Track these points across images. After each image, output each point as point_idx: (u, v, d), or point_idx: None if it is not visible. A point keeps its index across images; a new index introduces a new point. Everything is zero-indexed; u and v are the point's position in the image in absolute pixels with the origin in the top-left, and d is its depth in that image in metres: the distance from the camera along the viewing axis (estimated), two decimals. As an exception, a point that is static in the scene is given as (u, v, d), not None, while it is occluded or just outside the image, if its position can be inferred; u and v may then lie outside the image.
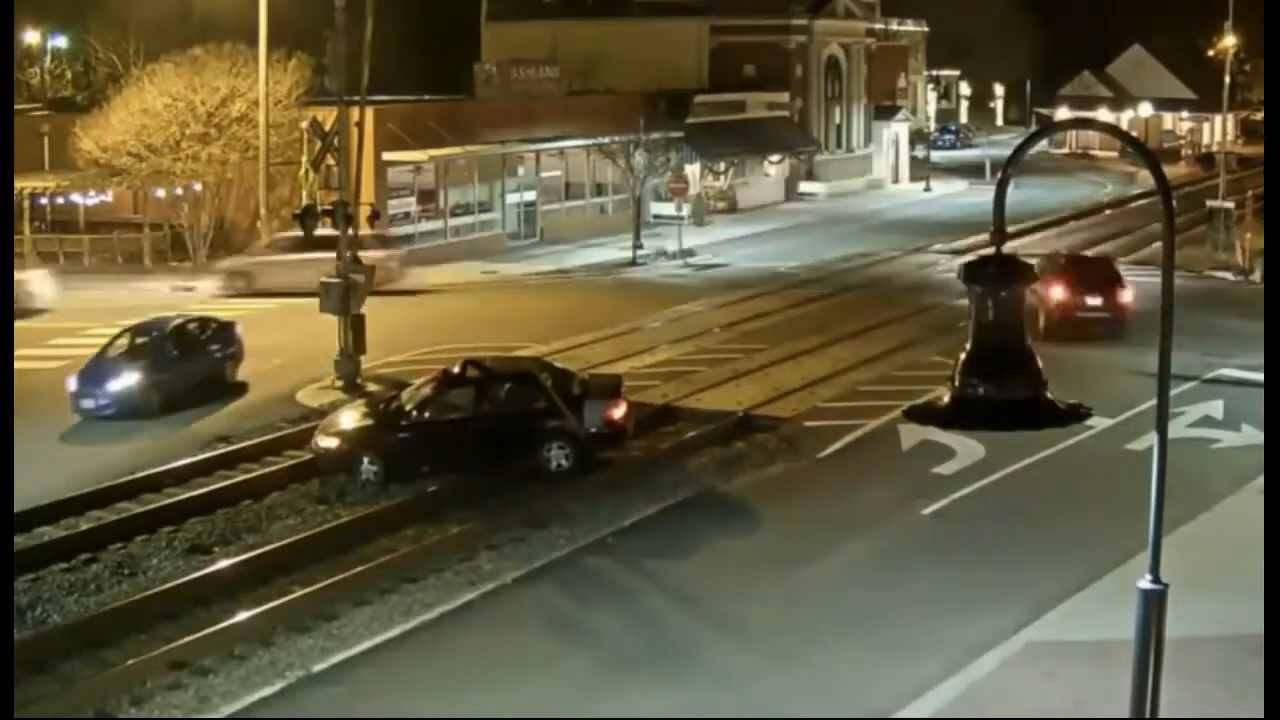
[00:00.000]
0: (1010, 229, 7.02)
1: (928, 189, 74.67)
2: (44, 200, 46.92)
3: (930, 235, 55.88)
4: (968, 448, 24.10)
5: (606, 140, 51.77)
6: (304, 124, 39.63)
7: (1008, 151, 14.85)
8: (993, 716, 14.64)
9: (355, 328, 29.78)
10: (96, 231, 46.93)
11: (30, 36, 68.84)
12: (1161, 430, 8.88)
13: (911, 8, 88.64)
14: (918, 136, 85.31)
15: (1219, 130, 79.17)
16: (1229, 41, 64.18)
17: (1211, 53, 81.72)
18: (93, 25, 63.18)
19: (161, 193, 46.28)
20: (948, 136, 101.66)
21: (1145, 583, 9.17)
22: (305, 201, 35.91)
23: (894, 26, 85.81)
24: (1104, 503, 21.30)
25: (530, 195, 53.76)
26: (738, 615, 18.10)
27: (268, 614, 18.04)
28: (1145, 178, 66.70)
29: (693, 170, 57.94)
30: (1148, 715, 9.22)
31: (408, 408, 24.24)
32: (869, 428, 26.35)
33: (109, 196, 47.14)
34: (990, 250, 6.71)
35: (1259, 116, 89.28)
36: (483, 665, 16.76)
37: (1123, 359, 30.35)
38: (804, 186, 69.81)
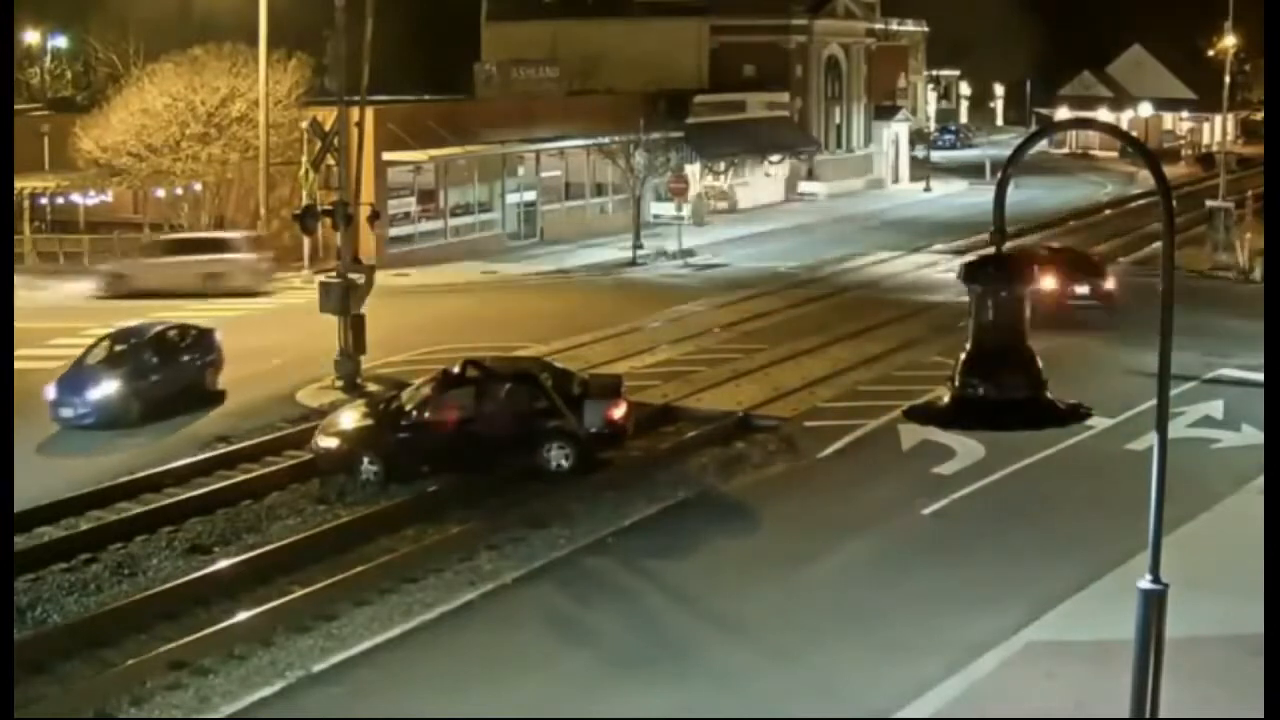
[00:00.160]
0: (1010, 229, 7.02)
1: (928, 189, 74.66)
2: (44, 200, 46.95)
3: (930, 235, 55.87)
4: (968, 448, 24.10)
5: (606, 140, 51.75)
6: (304, 124, 39.71)
7: (1007, 151, 14.86)
8: (993, 716, 14.64)
9: (355, 328, 29.78)
10: (96, 231, 46.92)
11: (30, 36, 68.86)
12: (1161, 430, 8.89)
13: (911, 8, 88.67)
14: (918, 136, 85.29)
15: (1219, 130, 79.18)
16: (1229, 41, 64.19)
17: (1211, 53, 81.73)
18: (93, 25, 63.20)
19: (161, 193, 46.32)
20: (948, 136, 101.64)
21: (1145, 583, 9.18)
22: (305, 201, 35.94)
23: (894, 26, 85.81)
24: (1104, 503, 21.30)
25: (530, 195, 53.76)
26: (737, 615, 18.10)
27: (268, 614, 18.04)
28: (1145, 178, 66.68)
29: (693, 170, 57.93)
30: (1148, 715, 9.23)
31: (408, 408, 24.24)
32: (869, 428, 26.35)
33: (109, 196, 47.17)
34: (990, 250, 6.72)
35: (1259, 116, 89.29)
36: (483, 665, 16.76)
37: (1122, 358, 30.35)
38: (804, 186, 69.78)
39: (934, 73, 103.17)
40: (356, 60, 31.83)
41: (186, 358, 29.49)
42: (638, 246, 49.14)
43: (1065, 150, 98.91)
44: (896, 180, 78.36)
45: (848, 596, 18.69)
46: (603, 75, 60.28)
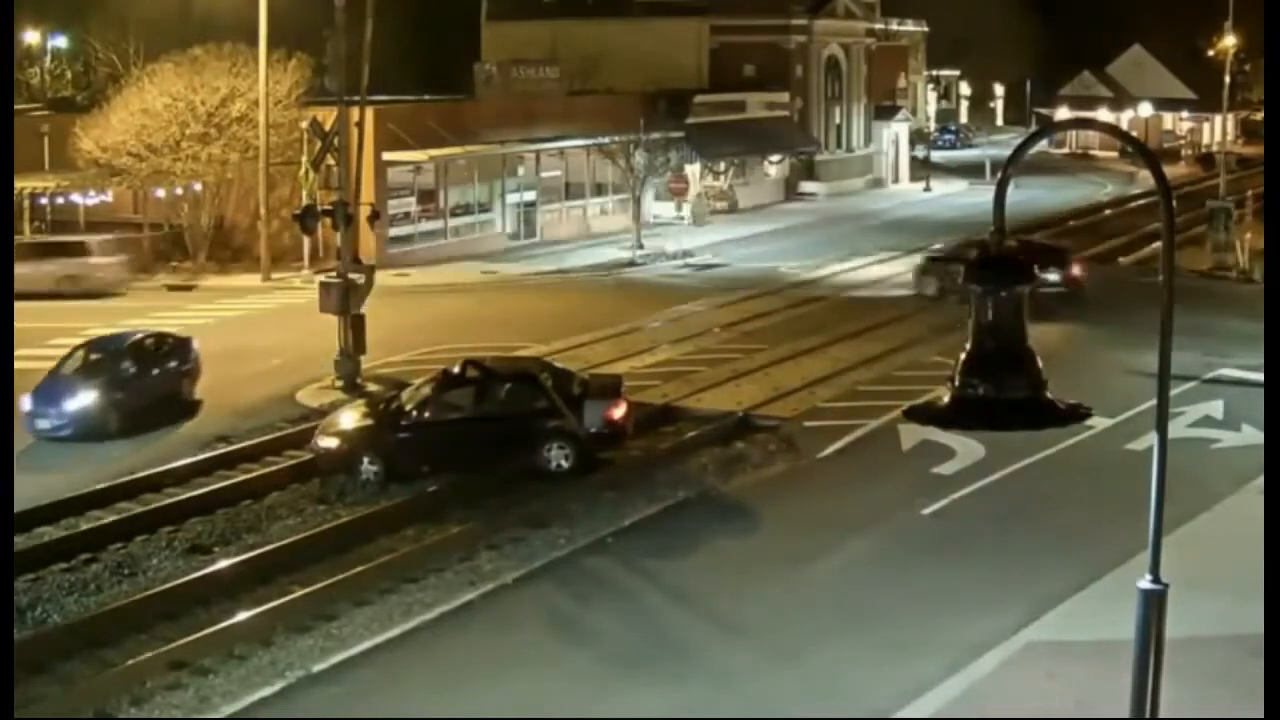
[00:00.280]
0: (1009, 229, 7.01)
1: (928, 189, 74.63)
2: (44, 200, 46.89)
3: (930, 235, 55.78)
4: (968, 448, 24.10)
5: (606, 140, 51.75)
6: (304, 124, 39.70)
7: (1007, 151, 14.84)
8: (993, 716, 14.64)
9: (355, 328, 29.79)
10: (96, 231, 46.87)
11: (30, 36, 68.82)
12: (1161, 430, 8.88)
13: (911, 8, 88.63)
14: (918, 136, 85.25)
15: (1219, 130, 79.16)
16: (1229, 41, 64.22)
17: (1211, 53, 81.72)
18: (93, 25, 63.18)
19: (161, 193, 46.28)
20: (948, 136, 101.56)
21: (1145, 583, 9.17)
22: (305, 201, 35.92)
23: (894, 26, 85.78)
24: (1104, 503, 21.30)
25: (530, 195, 53.74)
26: (737, 615, 18.11)
27: (268, 614, 18.05)
28: (1145, 178, 66.68)
29: (693, 170, 57.93)
30: (1148, 715, 9.22)
31: (408, 408, 24.25)
32: (869, 428, 26.35)
33: (109, 196, 47.12)
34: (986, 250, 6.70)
35: (1259, 116, 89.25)
36: (483, 665, 16.77)
37: (1122, 358, 30.33)
38: (804, 186, 69.78)
39: (934, 73, 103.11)
40: (356, 60, 31.84)
41: (164, 366, 28.79)
42: (638, 246, 49.15)
43: (1065, 150, 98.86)
44: (896, 180, 78.34)
45: (848, 596, 18.70)
46: (603, 75, 60.25)
